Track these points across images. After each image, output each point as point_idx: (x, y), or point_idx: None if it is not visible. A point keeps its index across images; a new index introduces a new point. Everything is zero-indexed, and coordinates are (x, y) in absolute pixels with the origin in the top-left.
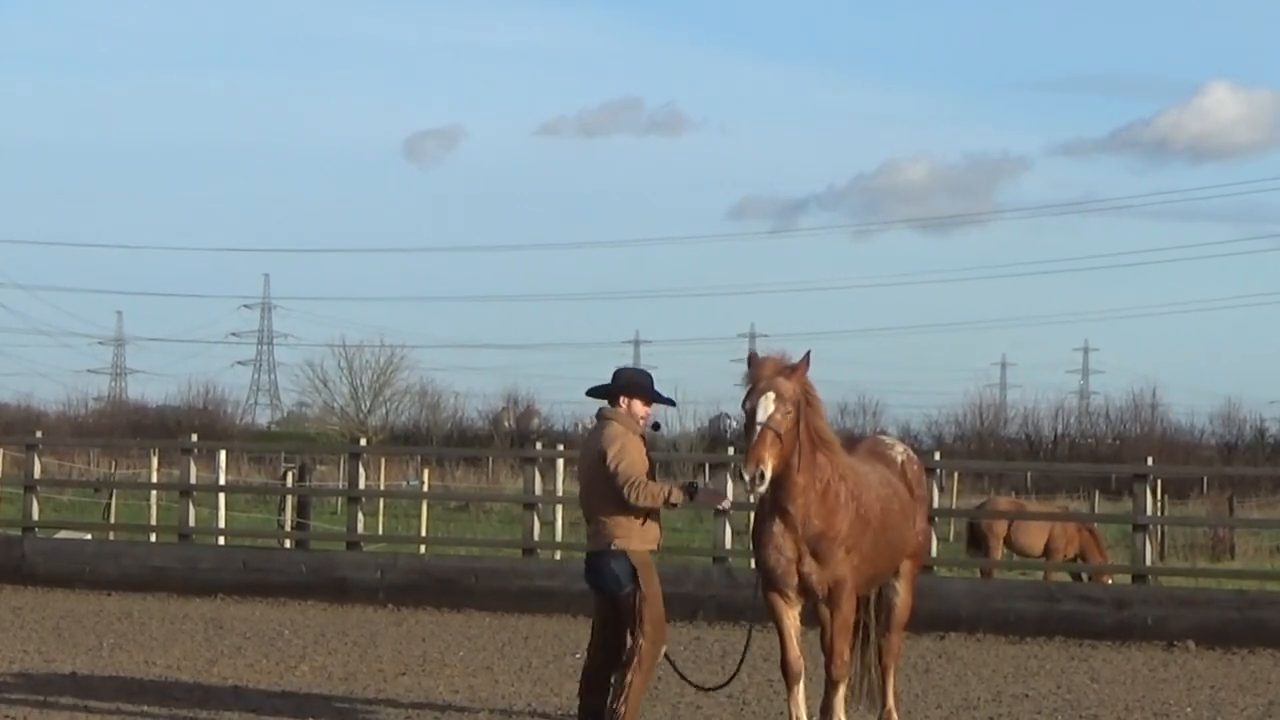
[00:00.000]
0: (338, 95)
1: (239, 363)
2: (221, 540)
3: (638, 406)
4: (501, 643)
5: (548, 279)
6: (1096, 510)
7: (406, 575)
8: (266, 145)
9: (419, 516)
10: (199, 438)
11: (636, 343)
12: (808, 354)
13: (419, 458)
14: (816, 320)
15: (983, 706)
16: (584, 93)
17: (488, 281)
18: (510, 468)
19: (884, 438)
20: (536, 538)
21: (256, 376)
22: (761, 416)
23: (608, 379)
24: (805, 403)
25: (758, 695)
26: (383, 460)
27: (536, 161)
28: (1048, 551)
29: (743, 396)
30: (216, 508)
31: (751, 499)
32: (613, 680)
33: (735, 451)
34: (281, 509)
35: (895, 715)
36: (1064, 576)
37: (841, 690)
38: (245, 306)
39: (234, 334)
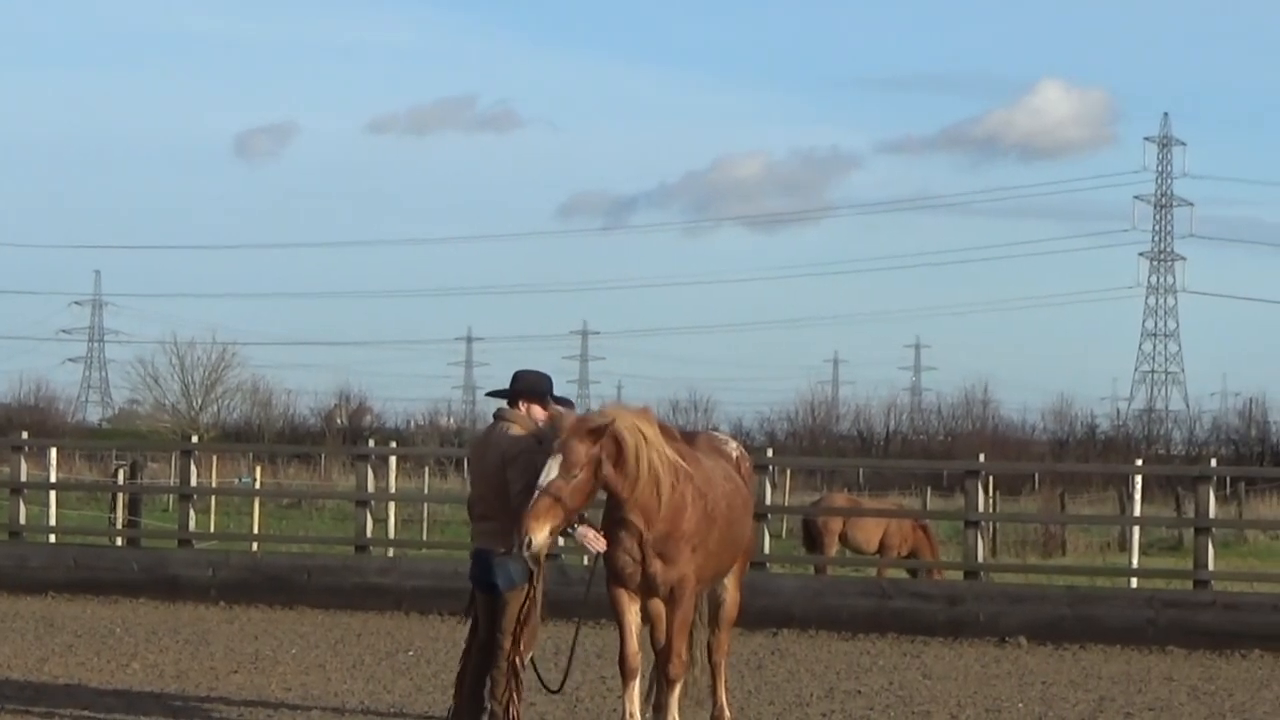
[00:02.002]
0: (169, 91)
1: (70, 360)
2: (52, 538)
3: (536, 410)
4: (334, 640)
5: (380, 276)
6: (929, 507)
7: (238, 573)
8: (97, 141)
9: (251, 514)
10: (29, 435)
11: (469, 340)
12: (612, 422)
13: (251, 455)
14: (649, 317)
15: (815, 703)
16: (416, 90)
17: (320, 278)
18: (342, 465)
19: (717, 434)
20: (369, 535)
21: (87, 374)
22: (542, 480)
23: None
24: (624, 441)
25: (590, 693)
26: (214, 457)
27: (368, 158)
28: (882, 548)
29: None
30: (47, 505)
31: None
32: (490, 679)
33: None
34: (113, 507)
35: (728, 712)
36: (898, 573)
37: (677, 690)
38: (76, 303)
39: (64, 331)
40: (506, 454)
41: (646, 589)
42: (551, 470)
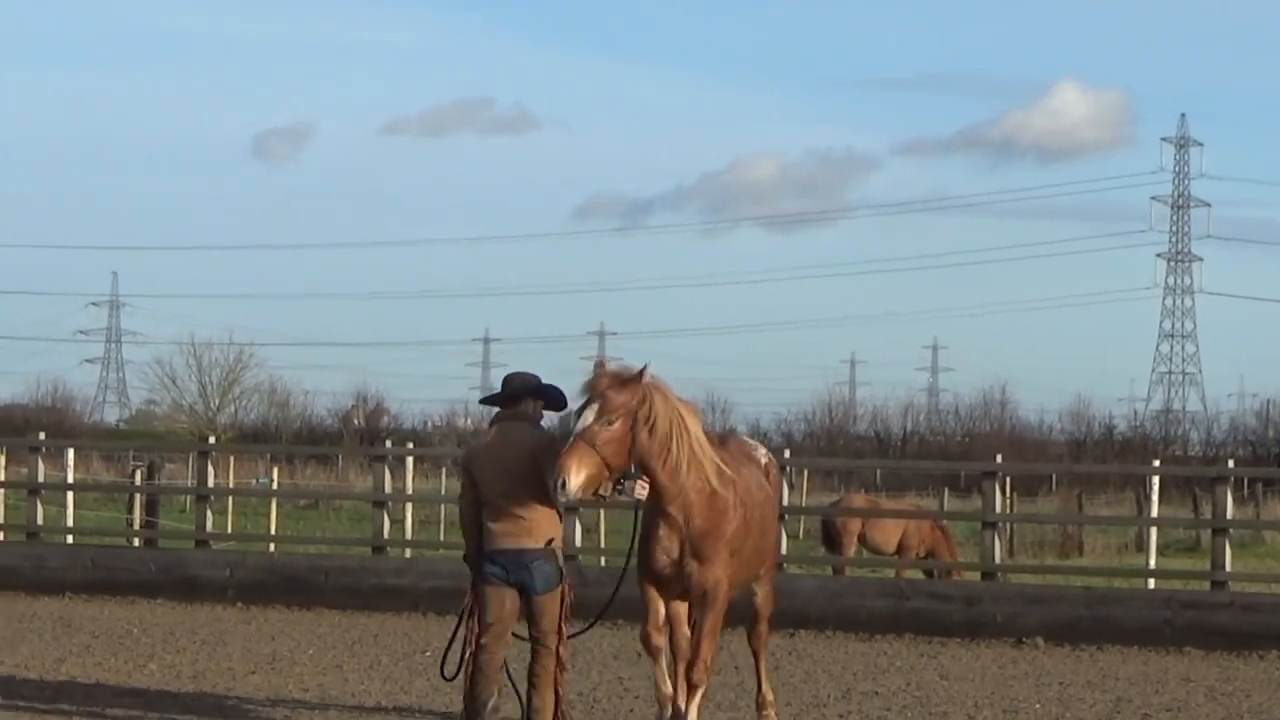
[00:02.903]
0: (187, 92)
1: (87, 360)
2: (70, 539)
3: (536, 408)
4: (351, 641)
5: (397, 277)
6: (946, 508)
7: (255, 573)
8: (115, 142)
9: (268, 514)
10: (47, 436)
11: (486, 341)
12: (644, 367)
13: (268, 455)
14: (665, 318)
15: (832, 704)
16: (432, 91)
17: (336, 279)
18: (359, 466)
19: (746, 439)
20: (386, 535)
21: (105, 374)
22: (579, 427)
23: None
24: (659, 410)
25: (608, 693)
26: (231, 458)
27: (385, 159)
28: (900, 549)
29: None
30: (65, 506)
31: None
32: (533, 681)
33: None
34: (130, 507)
35: (770, 695)
36: (915, 574)
37: (699, 695)
38: (93, 304)
39: (82, 331)
40: (535, 448)
41: (679, 591)
42: (587, 417)
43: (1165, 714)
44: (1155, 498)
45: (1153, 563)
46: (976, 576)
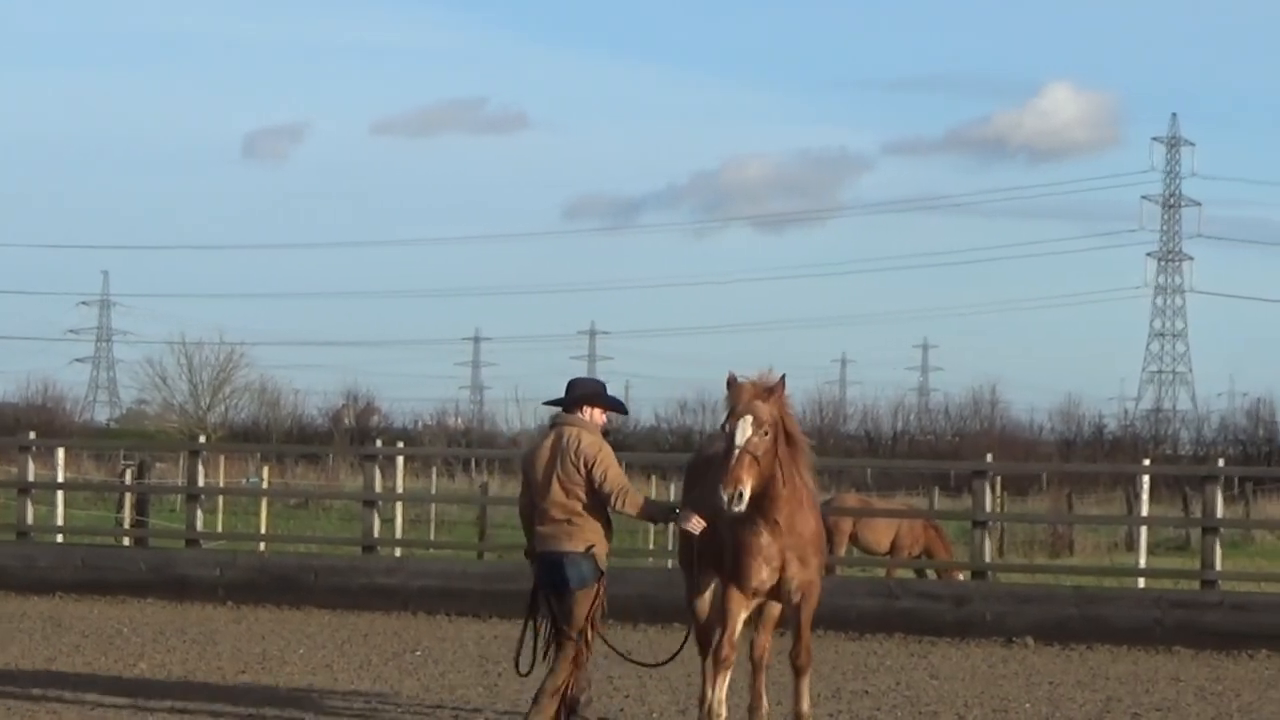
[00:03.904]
0: (178, 91)
1: (77, 360)
2: (60, 538)
3: (597, 414)
4: (341, 640)
5: (387, 276)
6: (936, 507)
7: (246, 573)
8: (106, 141)
9: (258, 514)
10: (37, 435)
11: (476, 340)
12: (783, 377)
13: (259, 455)
14: (656, 317)
15: (823, 703)
16: (423, 91)
17: (327, 279)
18: (350, 465)
19: None
20: (376, 535)
21: (95, 374)
22: (739, 440)
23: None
24: (784, 424)
25: (598, 692)
26: (222, 457)
27: (376, 159)
28: (893, 549)
29: (723, 419)
30: (55, 505)
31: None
32: (552, 666)
33: None
34: (120, 506)
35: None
36: (907, 573)
37: (807, 678)
38: (84, 303)
39: (72, 331)
40: (587, 455)
41: (774, 593)
42: (745, 429)
43: (1155, 713)
44: (1145, 497)
45: (1143, 562)
46: (966, 576)
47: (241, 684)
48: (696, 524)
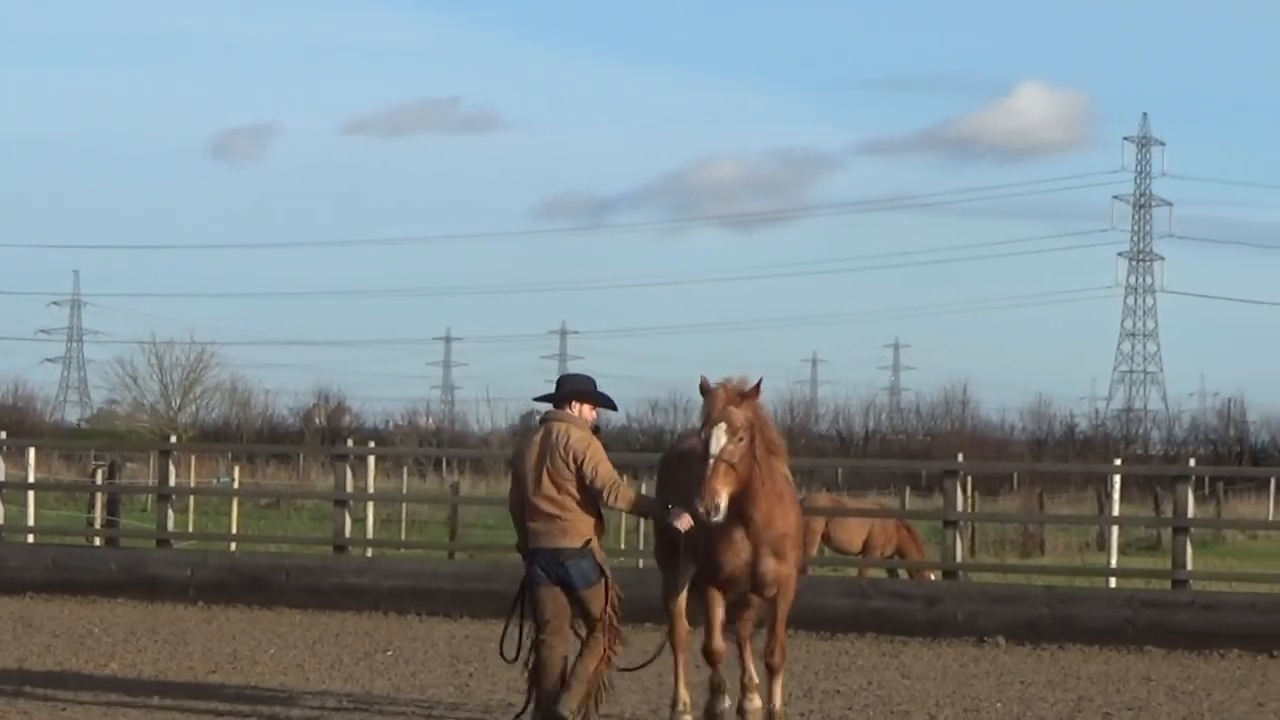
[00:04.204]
0: (149, 91)
1: (48, 360)
2: (31, 538)
3: (586, 410)
4: (312, 640)
5: (359, 276)
6: (907, 506)
7: (217, 572)
8: (76, 141)
9: (229, 514)
10: (8, 435)
11: (448, 340)
12: (759, 381)
13: (230, 455)
14: (627, 317)
15: (794, 703)
16: (395, 90)
17: (298, 278)
18: (321, 465)
19: None
20: (348, 535)
21: (66, 373)
22: (714, 449)
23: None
24: (759, 426)
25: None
26: (193, 457)
27: (347, 158)
28: (866, 549)
29: (699, 426)
30: (25, 505)
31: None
32: (581, 651)
33: None
34: (91, 506)
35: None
36: (879, 573)
37: (780, 677)
38: (55, 303)
39: (43, 331)
40: (577, 450)
41: (752, 586)
42: (720, 438)
43: (1126, 713)
44: (1116, 497)
45: (1114, 562)
46: (938, 575)
47: (213, 683)
48: (686, 521)
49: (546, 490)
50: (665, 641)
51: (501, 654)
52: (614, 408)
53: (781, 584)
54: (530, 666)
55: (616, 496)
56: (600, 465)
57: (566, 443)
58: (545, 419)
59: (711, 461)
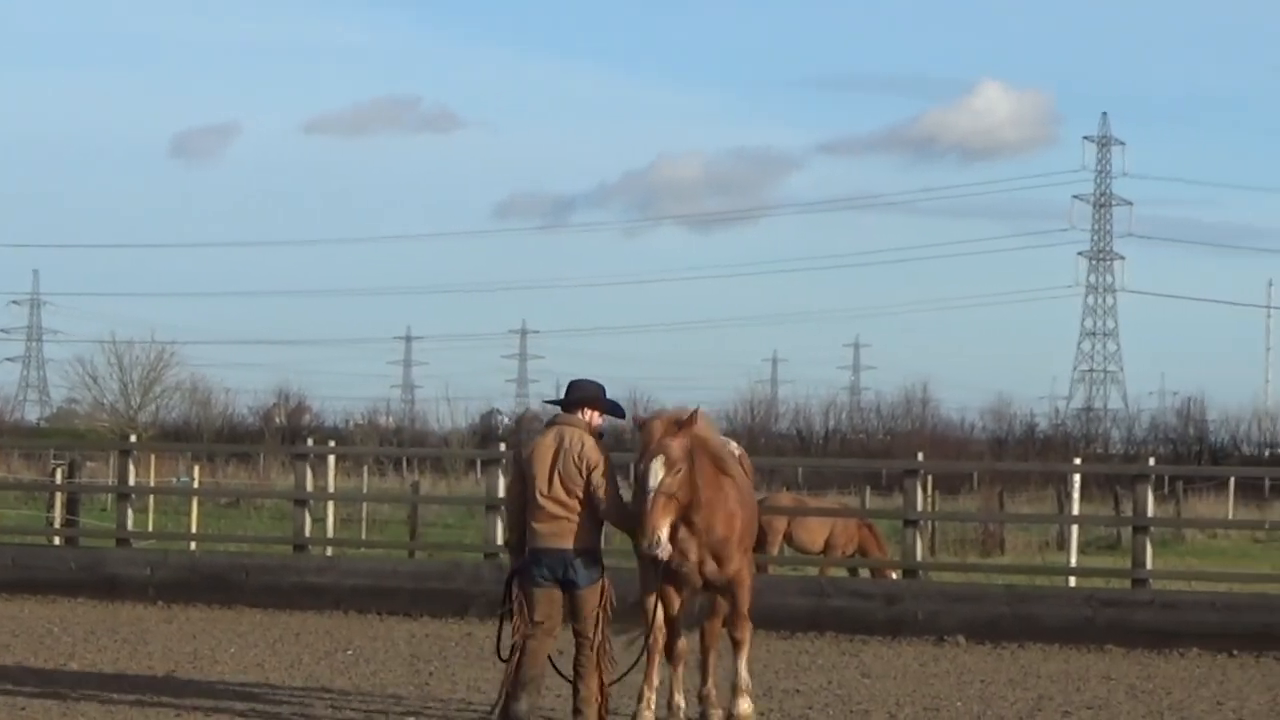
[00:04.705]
0: (109, 90)
1: (8, 359)
2: None
3: (594, 417)
4: (273, 639)
5: (319, 275)
6: (868, 506)
7: (177, 572)
8: (36, 140)
9: (189, 513)
10: None
11: (408, 339)
12: (695, 410)
13: (190, 454)
14: (588, 316)
15: (754, 701)
16: (356, 90)
17: (259, 278)
18: (281, 464)
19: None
20: (308, 534)
21: (25, 373)
22: (652, 483)
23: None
24: (700, 448)
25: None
26: (153, 457)
27: (308, 158)
28: (827, 548)
29: (636, 459)
30: None
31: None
32: (579, 671)
33: (506, 447)
34: (50, 506)
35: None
36: (840, 572)
37: (746, 651)
38: (14, 302)
39: (2, 330)
40: (590, 460)
41: (695, 588)
42: (658, 472)
43: (1086, 711)
44: (1076, 496)
45: (1074, 561)
46: (898, 574)
47: (172, 682)
48: (665, 551)
49: (556, 493)
50: (643, 644)
51: (499, 654)
52: (622, 416)
53: (732, 578)
54: (512, 662)
55: (613, 515)
56: (606, 480)
57: (581, 450)
58: (555, 422)
59: (650, 496)
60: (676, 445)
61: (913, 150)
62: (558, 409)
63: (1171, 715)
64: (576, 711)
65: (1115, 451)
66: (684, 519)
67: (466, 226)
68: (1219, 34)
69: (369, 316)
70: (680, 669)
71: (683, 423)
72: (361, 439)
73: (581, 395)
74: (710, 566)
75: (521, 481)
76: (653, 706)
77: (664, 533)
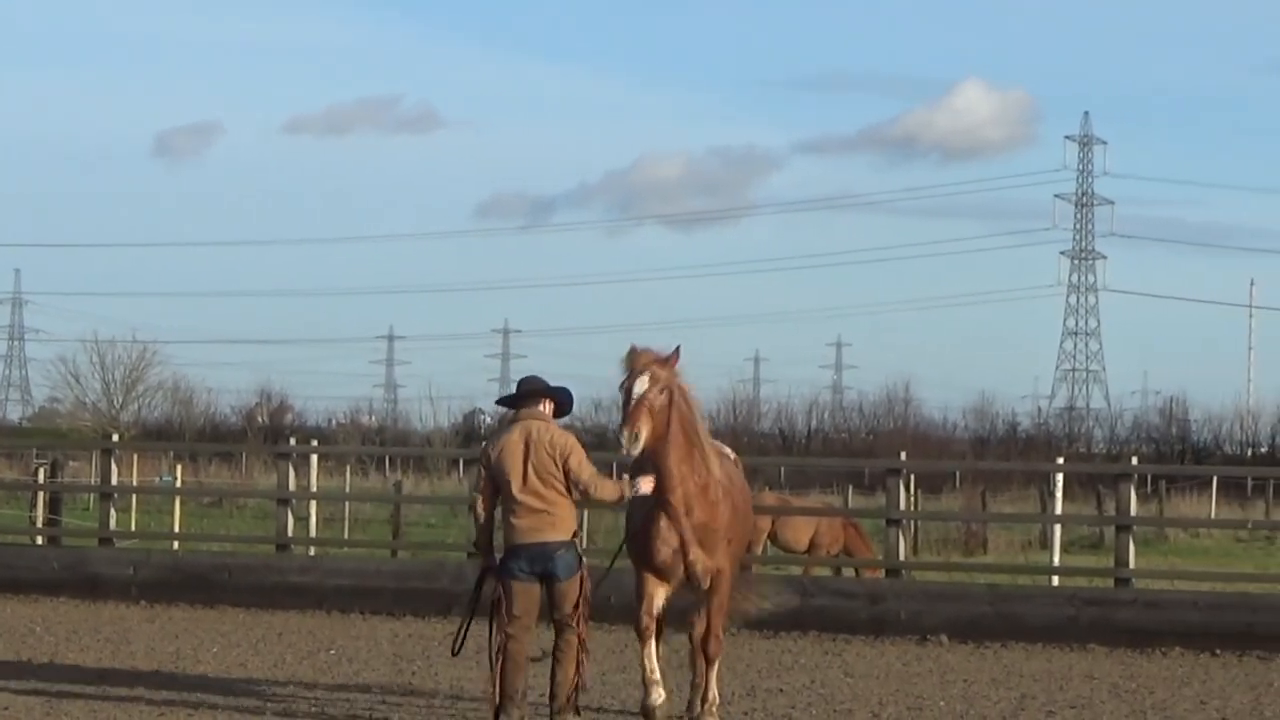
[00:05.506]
0: (91, 89)
1: None
2: None
3: (549, 406)
4: (255, 639)
5: (301, 275)
6: (850, 505)
7: (159, 571)
8: (18, 139)
9: (172, 513)
10: None
11: (390, 338)
12: (678, 347)
13: (172, 453)
14: (569, 316)
15: (737, 701)
16: (337, 89)
17: (241, 277)
18: (264, 464)
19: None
20: (290, 534)
21: (7, 372)
22: (638, 391)
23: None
24: (679, 396)
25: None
26: (135, 456)
27: (290, 157)
28: (812, 547)
29: (621, 380)
30: None
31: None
32: (557, 657)
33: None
34: (33, 505)
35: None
36: (823, 571)
37: (716, 667)
38: None
39: None
40: (563, 447)
41: (681, 579)
42: (642, 383)
43: (1069, 711)
44: (1059, 495)
45: (1056, 560)
46: (880, 574)
47: (155, 681)
48: (649, 484)
49: (533, 486)
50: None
51: (453, 650)
52: (570, 407)
53: (713, 577)
54: (497, 662)
55: (599, 489)
56: (584, 461)
57: (551, 439)
58: (519, 418)
59: (634, 401)
60: (663, 372)
61: (894, 150)
62: (510, 408)
63: (1154, 714)
64: (553, 696)
65: (1098, 451)
66: (659, 499)
67: (449, 226)
68: (1201, 34)
69: (351, 316)
70: (652, 644)
71: (666, 358)
72: (344, 438)
73: (534, 388)
74: (694, 552)
75: (492, 483)
76: (660, 684)
77: (643, 432)
